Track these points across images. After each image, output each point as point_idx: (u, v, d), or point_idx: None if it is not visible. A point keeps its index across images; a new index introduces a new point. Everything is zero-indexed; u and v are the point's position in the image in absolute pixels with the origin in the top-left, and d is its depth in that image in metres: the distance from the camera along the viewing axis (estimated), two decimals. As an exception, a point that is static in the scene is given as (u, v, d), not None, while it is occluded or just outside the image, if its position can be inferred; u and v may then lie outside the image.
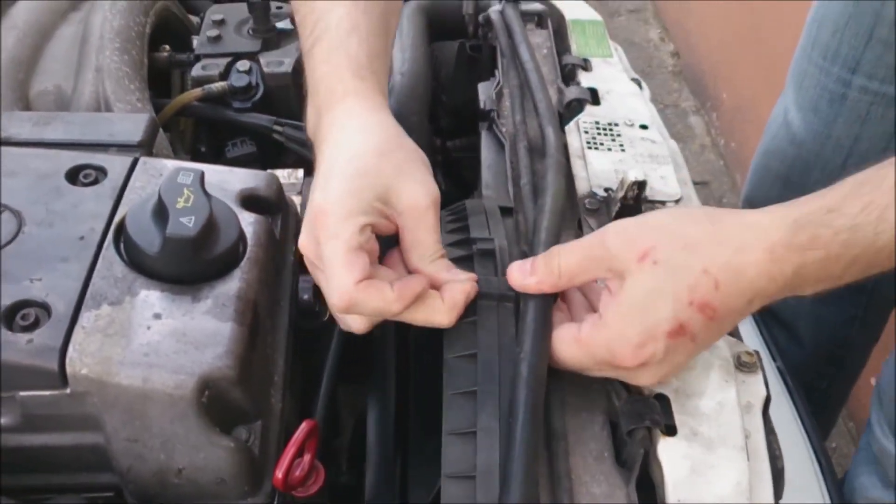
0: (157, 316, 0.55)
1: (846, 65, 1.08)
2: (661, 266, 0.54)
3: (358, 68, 0.64)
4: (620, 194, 0.68)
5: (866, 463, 1.11)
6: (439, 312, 0.59)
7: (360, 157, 0.59)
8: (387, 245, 0.62)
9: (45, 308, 0.54)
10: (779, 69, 1.34)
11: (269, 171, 0.70)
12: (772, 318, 1.30)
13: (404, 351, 0.76)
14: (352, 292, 0.56)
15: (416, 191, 0.60)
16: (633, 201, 0.69)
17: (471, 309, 0.60)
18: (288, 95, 0.91)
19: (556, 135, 0.74)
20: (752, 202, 1.31)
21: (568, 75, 0.90)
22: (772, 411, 0.62)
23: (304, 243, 0.60)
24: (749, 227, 0.54)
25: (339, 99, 0.63)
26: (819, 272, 0.54)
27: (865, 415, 1.75)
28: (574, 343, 0.57)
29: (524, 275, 0.59)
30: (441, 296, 0.59)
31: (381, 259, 0.62)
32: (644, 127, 0.80)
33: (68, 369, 0.51)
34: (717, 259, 0.54)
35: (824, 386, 1.36)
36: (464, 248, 0.67)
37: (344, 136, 0.61)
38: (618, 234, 0.56)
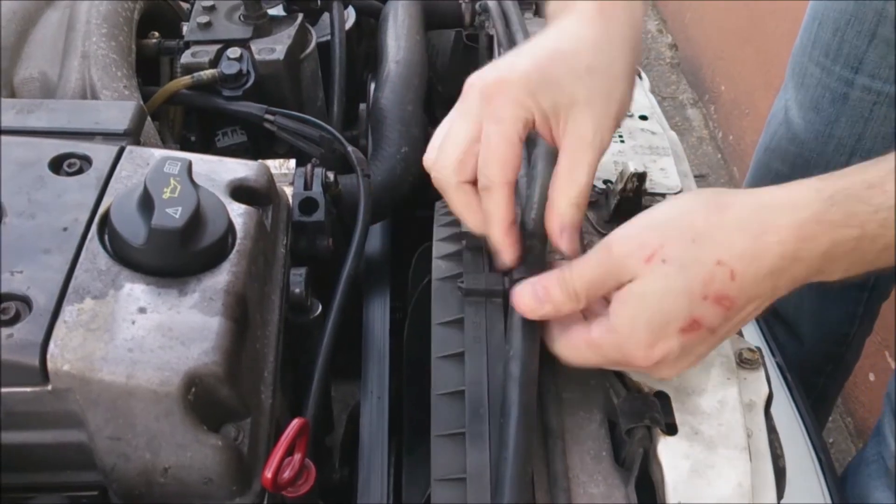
0: (142, 310, 0.53)
1: (848, 64, 1.06)
2: (670, 264, 0.51)
3: None
4: (620, 186, 0.67)
5: (878, 476, 1.08)
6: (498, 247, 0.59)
7: (570, 58, 0.58)
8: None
9: (26, 301, 0.52)
10: (777, 62, 1.33)
11: (259, 161, 0.68)
12: (772, 315, 1.29)
13: (398, 346, 0.75)
14: (499, 187, 0.56)
15: (587, 124, 0.57)
16: (633, 194, 0.67)
17: (458, 306, 0.59)
18: (280, 83, 0.89)
19: None
20: None
21: (566, 65, 0.88)
22: (772, 408, 0.61)
23: (476, 83, 0.58)
24: (771, 207, 0.51)
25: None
26: (851, 254, 0.50)
27: (863, 410, 1.76)
28: (585, 346, 0.55)
29: (539, 302, 0.56)
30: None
31: None
32: (644, 118, 0.79)
33: (49, 365, 0.50)
34: (734, 248, 0.51)
35: (822, 383, 1.35)
36: (454, 243, 0.65)
37: (580, 26, 0.59)
38: (623, 241, 0.54)
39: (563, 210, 0.58)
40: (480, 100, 0.58)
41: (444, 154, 0.59)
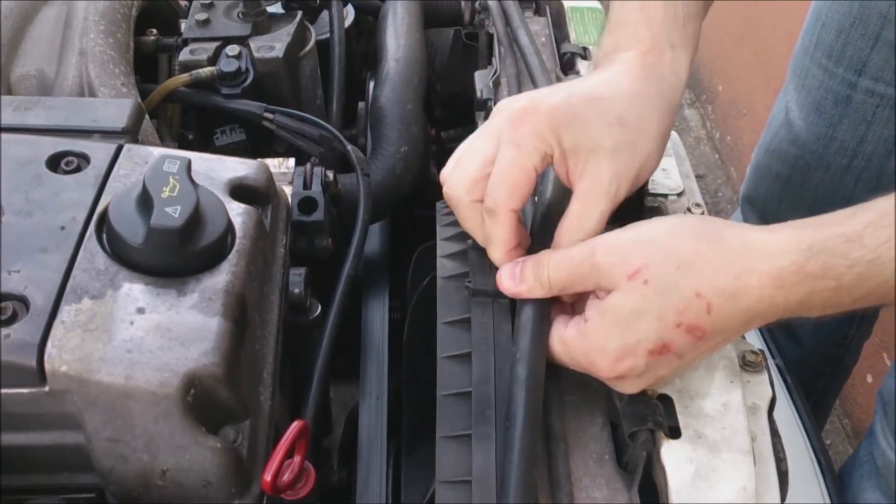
0: (141, 310, 0.52)
1: (851, 66, 1.06)
2: (650, 286, 0.52)
3: (677, 33, 0.62)
4: (622, 187, 0.66)
5: (869, 477, 1.08)
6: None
7: (604, 105, 0.57)
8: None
9: (24, 301, 0.51)
10: (775, 62, 1.32)
11: (259, 159, 0.68)
12: None
13: (398, 347, 0.74)
14: (503, 212, 0.56)
15: (606, 171, 0.57)
16: (635, 194, 0.67)
17: (464, 306, 0.58)
18: (279, 81, 0.88)
19: None
20: (752, 201, 1.29)
21: (567, 64, 0.88)
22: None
23: (505, 107, 0.58)
24: (755, 250, 0.52)
25: (646, 51, 0.61)
26: (826, 302, 0.51)
27: (860, 412, 1.75)
28: (557, 341, 0.56)
29: (514, 280, 0.57)
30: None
31: None
32: (645, 118, 0.78)
33: (47, 366, 0.49)
34: (715, 283, 0.51)
35: (821, 385, 1.35)
36: (458, 243, 0.65)
37: (620, 77, 0.59)
38: (609, 250, 0.54)
39: (564, 244, 0.58)
40: (505, 124, 0.57)
41: (459, 170, 0.59)
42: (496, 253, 0.59)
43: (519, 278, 0.57)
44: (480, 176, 0.58)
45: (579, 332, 0.54)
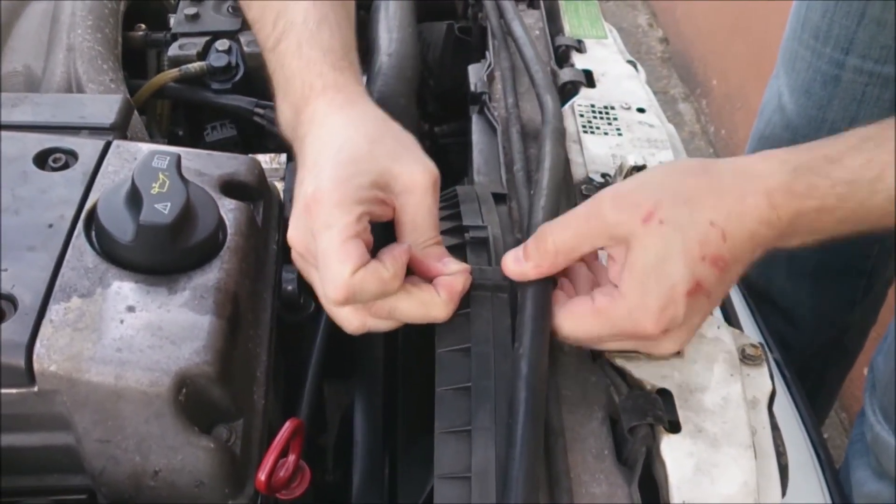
0: (131, 309, 0.51)
1: (839, 45, 1.06)
2: (667, 224, 0.52)
3: (335, 60, 0.62)
4: (619, 180, 0.66)
5: (861, 455, 1.09)
6: (436, 306, 0.56)
7: (350, 145, 0.57)
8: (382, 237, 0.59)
9: (11, 300, 0.50)
10: (768, 55, 1.32)
11: (250, 155, 0.67)
12: (770, 306, 1.28)
13: (392, 344, 0.74)
14: (348, 283, 0.52)
15: (415, 170, 0.57)
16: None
17: (464, 300, 0.58)
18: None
19: (555, 103, 0.71)
20: None
21: (561, 57, 0.87)
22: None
23: (295, 236, 0.56)
24: (746, 174, 0.54)
25: (319, 93, 0.60)
26: (812, 223, 0.53)
27: (857, 405, 1.75)
28: (590, 315, 0.54)
29: (518, 262, 0.56)
30: (436, 288, 0.56)
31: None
32: (641, 110, 0.78)
33: (35, 366, 0.48)
34: (722, 209, 0.53)
35: (820, 366, 1.34)
36: (456, 237, 0.64)
37: (329, 127, 0.59)
38: (616, 200, 0.54)
39: (424, 256, 0.57)
40: (310, 221, 0.54)
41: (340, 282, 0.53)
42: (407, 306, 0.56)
43: (523, 256, 0.56)
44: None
45: (614, 296, 0.53)
